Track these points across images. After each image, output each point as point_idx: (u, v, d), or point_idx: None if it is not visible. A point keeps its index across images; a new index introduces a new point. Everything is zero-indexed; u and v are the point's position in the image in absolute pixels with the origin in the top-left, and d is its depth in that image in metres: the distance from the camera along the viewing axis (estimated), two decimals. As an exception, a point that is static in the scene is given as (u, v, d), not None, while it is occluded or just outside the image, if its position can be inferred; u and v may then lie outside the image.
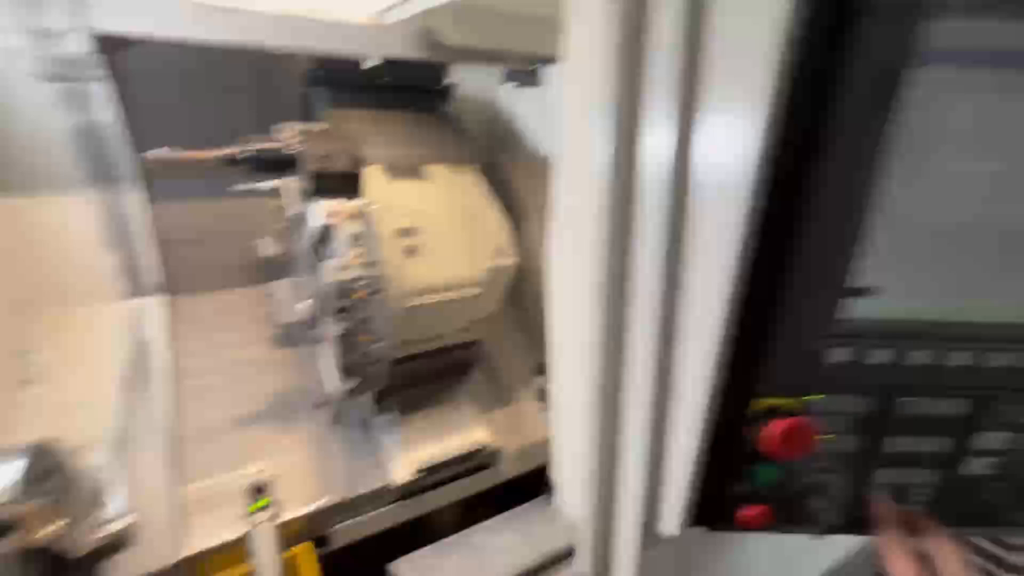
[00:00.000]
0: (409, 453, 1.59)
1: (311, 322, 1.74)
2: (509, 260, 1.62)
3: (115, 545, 0.85)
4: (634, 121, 0.62)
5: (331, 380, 1.58)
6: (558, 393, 0.86)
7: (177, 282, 1.95)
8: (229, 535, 1.45)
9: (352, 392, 1.50)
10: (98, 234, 1.78)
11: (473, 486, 1.87)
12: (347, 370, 1.47)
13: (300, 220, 1.63)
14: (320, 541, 1.57)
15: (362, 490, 1.62)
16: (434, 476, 1.67)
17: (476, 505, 1.95)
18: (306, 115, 1.81)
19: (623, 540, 0.74)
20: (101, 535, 0.86)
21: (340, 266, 1.33)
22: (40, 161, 1.61)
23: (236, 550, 1.45)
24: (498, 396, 2.00)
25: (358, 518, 1.64)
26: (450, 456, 1.64)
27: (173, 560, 1.34)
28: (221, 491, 1.52)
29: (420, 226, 1.53)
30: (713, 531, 0.68)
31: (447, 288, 1.52)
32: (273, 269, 2.05)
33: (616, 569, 0.79)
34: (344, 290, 1.32)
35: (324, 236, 1.37)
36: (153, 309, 1.86)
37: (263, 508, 1.05)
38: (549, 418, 0.90)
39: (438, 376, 1.77)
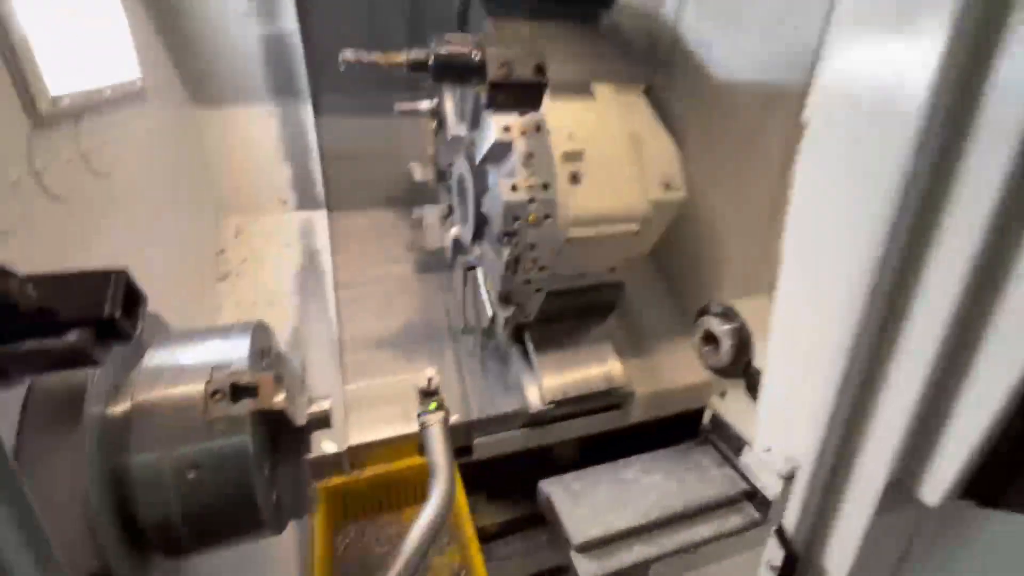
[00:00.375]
0: (543, 384, 1.59)
1: (459, 249, 1.77)
2: (677, 194, 1.50)
3: (324, 420, 0.92)
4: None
5: (482, 307, 1.60)
6: (788, 329, 0.77)
7: (335, 198, 2.07)
8: (388, 432, 1.57)
9: (505, 321, 1.51)
10: (277, 146, 1.91)
11: (600, 424, 1.87)
12: (504, 298, 1.47)
13: (458, 142, 1.62)
14: (463, 451, 1.66)
15: (498, 411, 1.67)
16: (565, 408, 1.68)
17: (599, 445, 1.96)
18: (463, 28, 1.76)
19: (855, 496, 0.65)
20: (313, 410, 0.92)
21: (512, 186, 1.29)
22: (234, 72, 1.73)
23: (393, 446, 1.57)
24: (636, 341, 1.93)
25: (496, 435, 1.70)
26: (582, 392, 1.63)
27: (343, 447, 1.49)
28: (379, 393, 1.64)
29: (585, 150, 1.45)
30: (985, 508, 0.57)
31: (608, 221, 1.44)
32: (422, 194, 2.09)
33: (835, 529, 0.71)
34: (515, 212, 1.30)
35: (495, 154, 1.34)
36: (318, 222, 1.99)
37: (436, 410, 1.10)
38: (765, 352, 0.81)
39: (579, 314, 1.73)
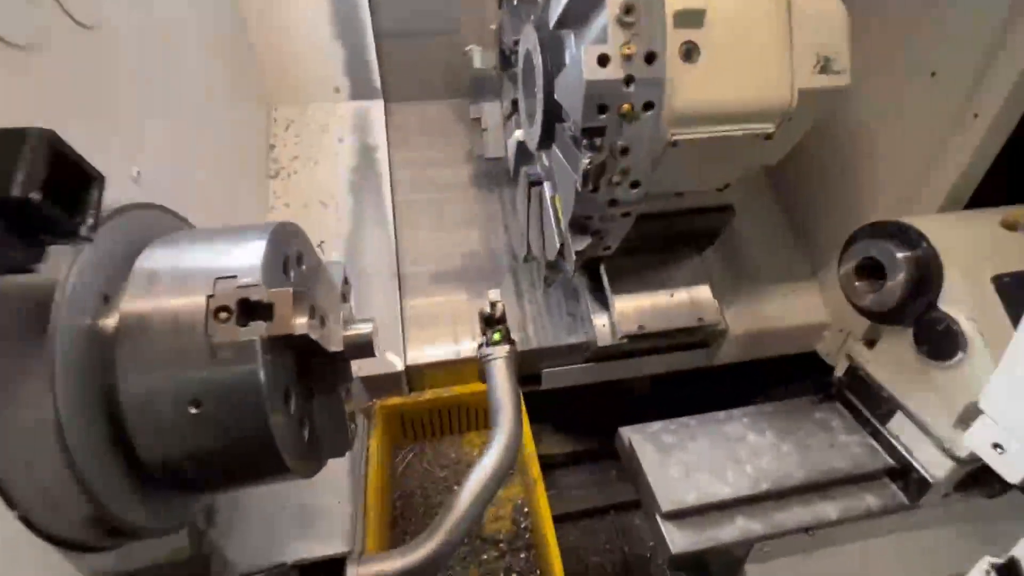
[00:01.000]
0: (616, 312, 1.33)
1: (523, 157, 1.46)
2: (839, 80, 1.08)
3: (364, 347, 0.73)
4: None
5: (549, 233, 1.29)
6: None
7: (390, 88, 1.80)
8: (446, 354, 1.41)
9: (577, 254, 1.21)
10: (329, 24, 1.65)
11: (681, 362, 1.61)
12: (579, 225, 1.16)
13: (528, 2, 1.27)
14: (530, 379, 1.49)
15: (561, 341, 1.46)
16: (641, 343, 1.43)
17: (678, 380, 1.71)
18: None
19: None
20: (351, 333, 0.74)
21: (601, 58, 0.96)
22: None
23: (453, 368, 1.42)
24: (734, 272, 1.60)
25: (564, 367, 1.50)
26: (662, 327, 1.35)
27: (399, 368, 1.35)
28: (438, 311, 1.47)
29: (708, 11, 1.06)
30: None
31: (733, 117, 1.07)
32: (482, 87, 1.76)
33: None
34: (602, 97, 0.93)
35: (577, 8, 1.00)
36: (375, 114, 1.75)
37: (501, 341, 0.90)
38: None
39: (670, 244, 1.42)
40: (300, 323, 0.66)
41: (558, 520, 1.38)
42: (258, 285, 0.65)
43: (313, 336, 0.70)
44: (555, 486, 1.92)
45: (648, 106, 0.97)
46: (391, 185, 1.63)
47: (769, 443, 1.05)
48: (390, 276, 1.48)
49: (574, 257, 1.19)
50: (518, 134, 1.41)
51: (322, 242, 1.51)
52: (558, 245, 1.23)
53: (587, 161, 0.98)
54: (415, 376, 1.43)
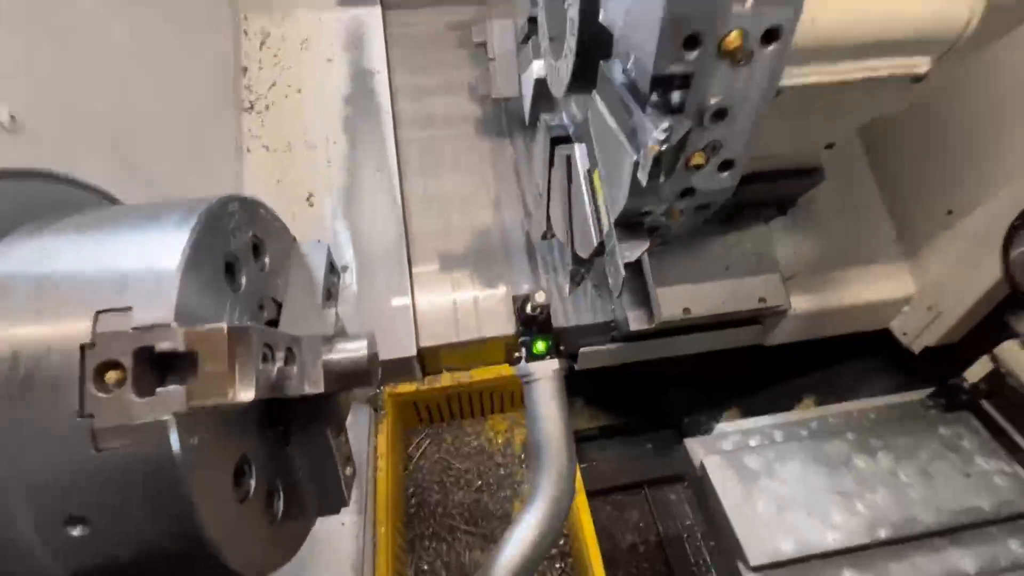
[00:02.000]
0: (658, 296, 1.04)
1: (543, 100, 1.08)
2: None
3: (358, 376, 0.54)
4: None
5: (580, 217, 0.89)
6: None
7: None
8: (461, 335, 1.17)
9: (622, 256, 0.80)
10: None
11: (727, 341, 1.35)
12: (632, 223, 0.77)
13: None
14: (570, 357, 1.25)
15: (582, 320, 1.19)
16: (691, 319, 1.15)
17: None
18: None
19: None
20: (337, 359, 0.53)
21: None
22: None
23: (470, 349, 1.19)
24: (800, 238, 1.28)
25: (598, 347, 1.25)
26: (714, 311, 1.06)
27: (411, 352, 1.12)
28: (456, 281, 1.20)
29: None
30: None
31: (878, 49, 0.70)
32: None
33: None
34: (695, 19, 0.55)
35: None
36: (371, 24, 1.39)
37: (547, 354, 0.66)
38: None
39: (735, 213, 1.09)
40: (243, 386, 0.41)
41: (590, 496, 1.19)
42: (168, 326, 0.39)
43: (268, 392, 0.45)
44: (586, 460, 1.75)
45: (771, 36, 0.59)
46: (394, 120, 1.31)
47: (884, 470, 0.82)
48: (396, 239, 1.20)
49: (622, 271, 0.77)
50: (536, 68, 1.03)
51: (311, 195, 1.22)
52: (595, 243, 0.85)
53: (661, 136, 0.60)
54: (430, 358, 1.20)
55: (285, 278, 0.64)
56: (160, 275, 0.41)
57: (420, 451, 1.31)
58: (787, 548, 0.73)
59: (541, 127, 0.93)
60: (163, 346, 0.38)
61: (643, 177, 0.63)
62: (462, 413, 1.34)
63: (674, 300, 1.05)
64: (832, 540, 0.73)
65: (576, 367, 1.30)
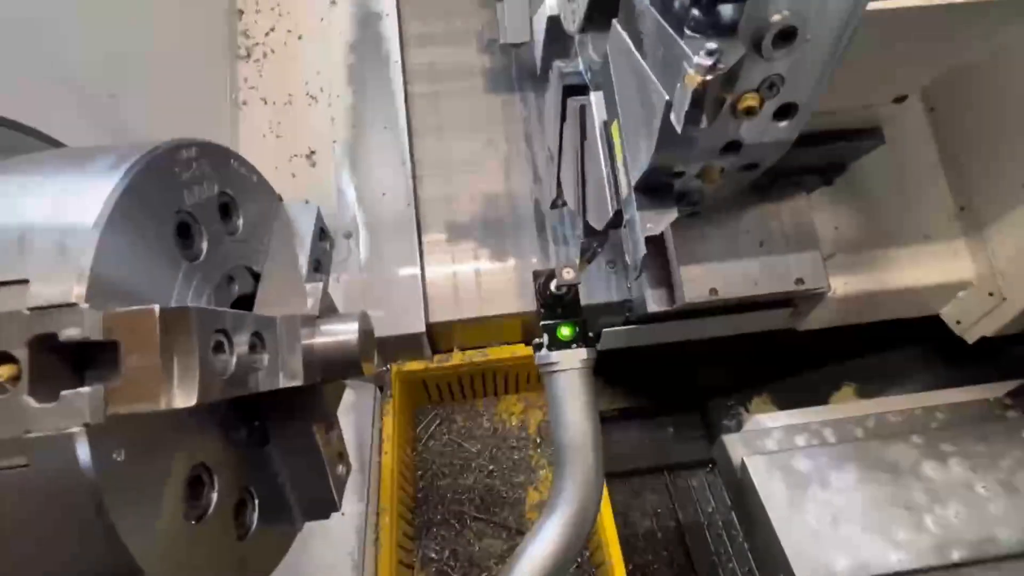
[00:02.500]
0: (683, 276, 0.91)
1: (556, 44, 0.93)
2: None
3: (347, 364, 0.49)
4: None
5: (596, 183, 0.73)
6: None
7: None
8: (477, 309, 1.07)
9: (646, 228, 0.63)
10: None
11: (757, 324, 1.22)
12: (658, 185, 0.61)
13: None
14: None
15: (594, 299, 1.07)
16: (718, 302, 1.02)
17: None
18: None
19: None
20: (321, 343, 0.47)
21: None
22: None
23: (484, 325, 1.09)
24: (843, 211, 1.13)
25: (620, 328, 1.14)
26: (742, 294, 0.93)
27: (420, 328, 1.02)
28: (469, 251, 1.10)
29: None
30: None
31: None
32: None
33: None
34: None
35: None
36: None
37: (573, 341, 0.55)
38: None
39: (773, 180, 0.94)
40: (182, 385, 0.31)
41: (607, 478, 1.11)
42: (74, 306, 0.29)
43: (224, 391, 0.35)
44: (606, 441, 1.67)
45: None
46: (404, 71, 1.18)
47: (957, 480, 0.70)
48: (405, 204, 1.09)
49: (642, 247, 0.61)
50: (549, 3, 0.89)
51: (312, 152, 1.11)
52: (611, 211, 0.69)
53: (706, 61, 0.45)
54: (440, 334, 1.10)
55: (264, 245, 0.54)
56: (70, 235, 0.31)
57: (429, 432, 1.23)
58: (841, 567, 0.63)
59: (553, 75, 0.79)
60: (69, 334, 0.28)
61: (678, 121, 0.49)
62: (474, 392, 1.26)
63: (700, 280, 0.92)
64: (896, 561, 0.63)
65: (599, 347, 1.20)
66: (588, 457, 0.54)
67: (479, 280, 1.08)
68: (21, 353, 0.29)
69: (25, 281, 0.29)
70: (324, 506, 0.55)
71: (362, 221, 1.08)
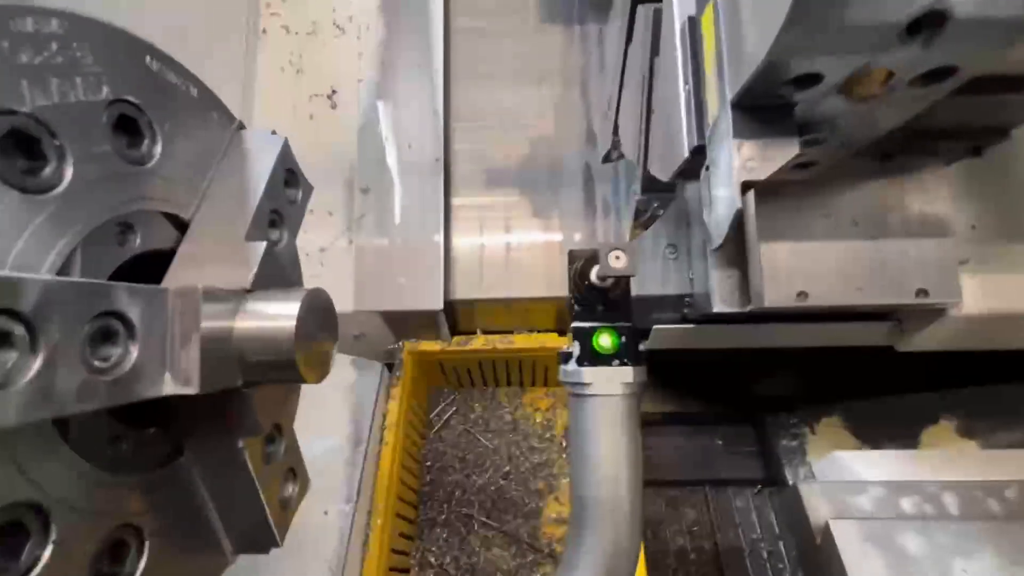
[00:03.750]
0: (765, 272, 0.70)
1: None
2: None
3: (273, 366, 0.33)
4: None
5: (670, 114, 0.53)
6: None
7: None
8: (506, 289, 0.91)
9: (745, 187, 0.42)
10: None
11: (850, 337, 0.98)
12: (769, 109, 0.39)
13: None
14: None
15: (646, 291, 0.87)
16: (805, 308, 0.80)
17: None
18: None
19: None
20: (248, 327, 0.34)
21: None
22: None
23: (513, 307, 0.93)
24: (987, 203, 0.85)
25: (673, 326, 0.95)
26: (840, 302, 0.70)
27: (437, 307, 0.87)
28: (499, 220, 0.93)
29: None
30: None
31: None
32: None
33: None
34: None
35: None
36: None
37: (615, 356, 0.39)
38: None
39: (912, 143, 0.70)
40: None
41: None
42: None
43: (37, 410, 0.21)
44: (645, 446, 1.50)
45: None
46: (446, 2, 1.01)
47: None
48: (433, 158, 0.94)
49: (737, 200, 0.43)
50: None
51: (334, 91, 0.97)
52: (687, 150, 0.50)
53: None
54: (462, 313, 0.96)
55: (201, 187, 0.39)
56: None
57: (443, 419, 1.10)
58: None
59: None
60: None
61: None
62: (497, 381, 1.11)
63: (786, 279, 0.71)
64: None
65: (647, 346, 1.02)
66: (623, 516, 0.38)
67: (510, 255, 0.91)
68: None
69: None
70: (260, 538, 0.41)
71: (382, 175, 0.93)
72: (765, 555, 1.44)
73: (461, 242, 0.93)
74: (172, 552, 0.36)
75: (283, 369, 0.33)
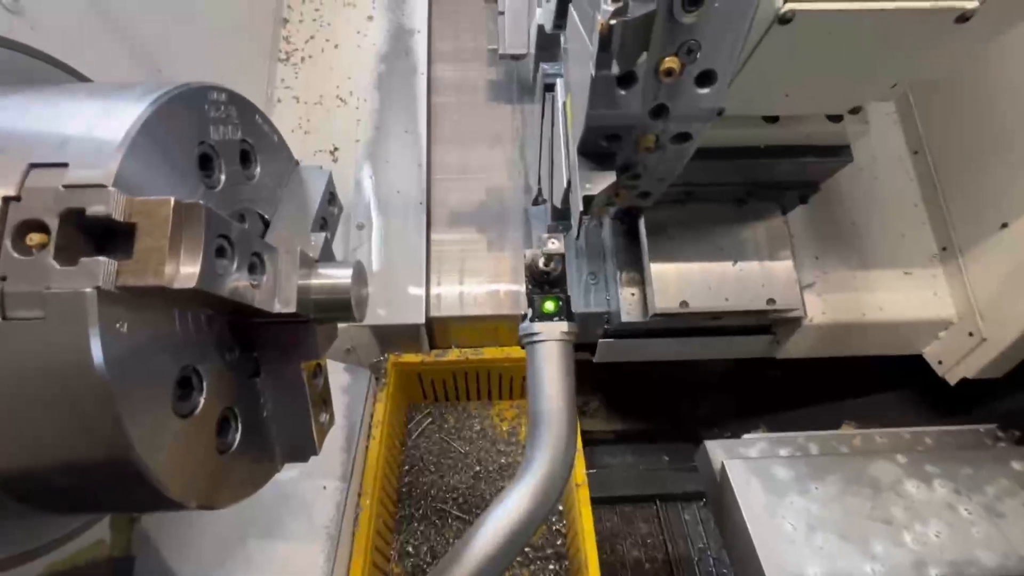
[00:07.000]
0: (654, 282, 0.94)
1: (542, 49, 0.98)
2: None
3: (337, 304, 0.51)
4: None
5: (557, 161, 0.81)
6: None
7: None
8: (478, 307, 1.10)
9: (587, 202, 0.67)
10: None
11: (738, 349, 1.21)
12: (599, 149, 0.65)
13: None
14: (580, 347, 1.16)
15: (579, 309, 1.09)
16: (675, 322, 1.04)
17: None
18: None
19: None
20: (317, 284, 0.51)
21: None
22: None
23: (485, 324, 1.12)
24: (824, 240, 1.16)
25: (604, 340, 1.16)
26: (712, 307, 0.94)
27: (419, 320, 1.05)
28: (473, 253, 1.14)
29: None
30: None
31: None
32: None
33: None
34: None
35: None
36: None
37: (554, 315, 0.58)
38: None
39: (748, 194, 1.01)
40: (186, 269, 0.35)
41: (596, 503, 1.10)
42: (103, 187, 0.33)
43: (220, 291, 0.39)
44: (596, 465, 1.65)
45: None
46: (428, 83, 1.26)
47: (940, 501, 0.70)
48: (417, 203, 1.15)
49: (579, 205, 0.65)
50: (539, 13, 0.95)
51: (335, 148, 1.19)
52: (565, 182, 0.73)
53: (610, 6, 0.50)
54: (439, 330, 1.14)
55: (277, 197, 0.59)
56: (107, 135, 0.36)
57: (420, 429, 1.25)
58: (813, 574, 0.63)
59: (540, 75, 0.87)
60: (95, 209, 0.33)
61: (594, 63, 0.53)
62: (468, 395, 1.27)
63: (671, 291, 0.95)
64: (871, 571, 0.62)
65: (595, 359, 1.22)
66: (561, 426, 0.56)
67: (480, 281, 1.11)
68: (53, 223, 0.33)
69: (65, 164, 0.34)
70: (304, 448, 0.57)
71: (375, 214, 1.14)
72: (712, 562, 1.58)
73: (440, 269, 1.13)
74: (249, 444, 0.51)
75: (342, 308, 0.51)
